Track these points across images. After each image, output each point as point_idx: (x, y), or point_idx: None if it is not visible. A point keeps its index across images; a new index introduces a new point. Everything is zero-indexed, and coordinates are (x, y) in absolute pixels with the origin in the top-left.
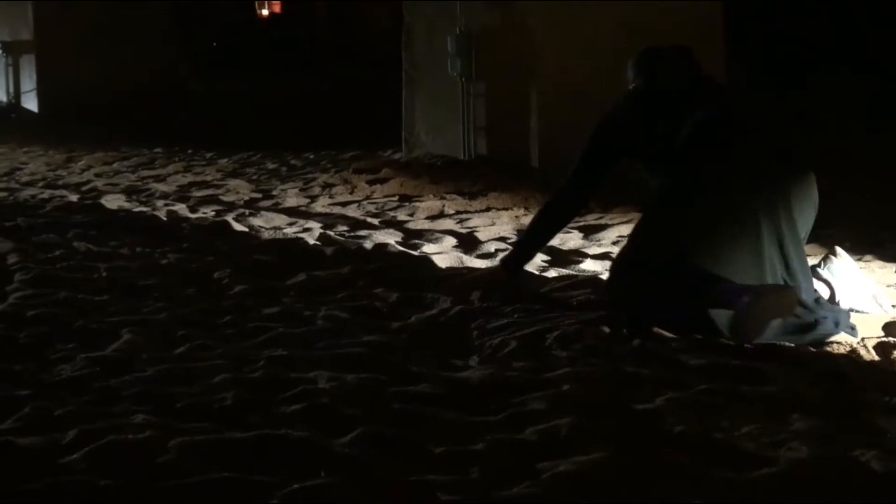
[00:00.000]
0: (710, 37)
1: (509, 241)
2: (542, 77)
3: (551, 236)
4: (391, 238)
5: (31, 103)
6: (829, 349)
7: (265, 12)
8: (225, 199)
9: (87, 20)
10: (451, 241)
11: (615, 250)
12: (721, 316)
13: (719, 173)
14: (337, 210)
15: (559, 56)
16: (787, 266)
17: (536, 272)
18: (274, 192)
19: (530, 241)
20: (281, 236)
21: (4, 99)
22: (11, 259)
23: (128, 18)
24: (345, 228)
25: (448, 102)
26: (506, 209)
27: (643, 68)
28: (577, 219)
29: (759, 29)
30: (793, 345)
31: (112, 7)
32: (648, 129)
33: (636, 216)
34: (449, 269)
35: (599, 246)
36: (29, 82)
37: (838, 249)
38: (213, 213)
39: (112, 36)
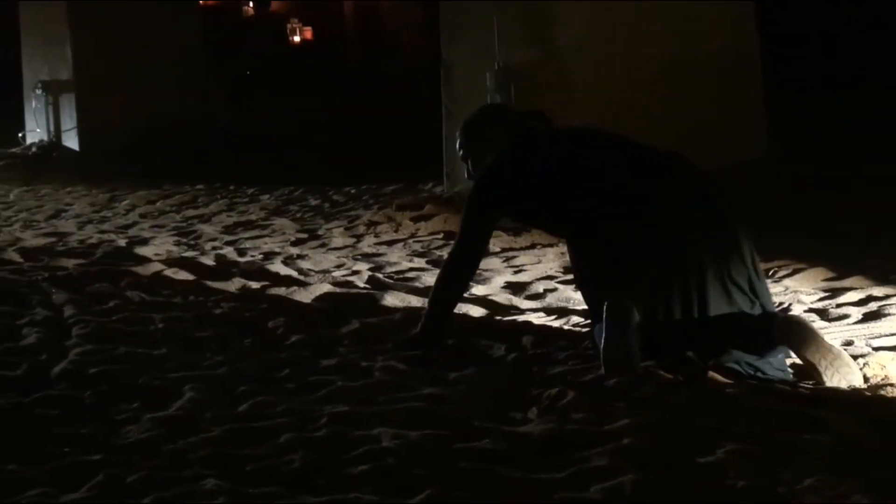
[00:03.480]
0: (747, 66)
1: (556, 280)
2: (580, 111)
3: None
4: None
5: (71, 142)
6: (883, 393)
7: (297, 39)
8: (272, 240)
9: (124, 58)
10: (500, 280)
11: None
12: None
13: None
14: (383, 249)
15: (596, 91)
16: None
17: (578, 309)
18: (319, 232)
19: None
20: (330, 280)
21: (45, 138)
22: (68, 311)
23: (164, 54)
24: (393, 270)
25: None
26: (550, 245)
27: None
28: None
29: (794, 54)
30: (848, 388)
31: (148, 43)
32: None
33: None
34: (498, 313)
35: None
36: (69, 121)
37: None
38: (261, 257)
39: (149, 72)
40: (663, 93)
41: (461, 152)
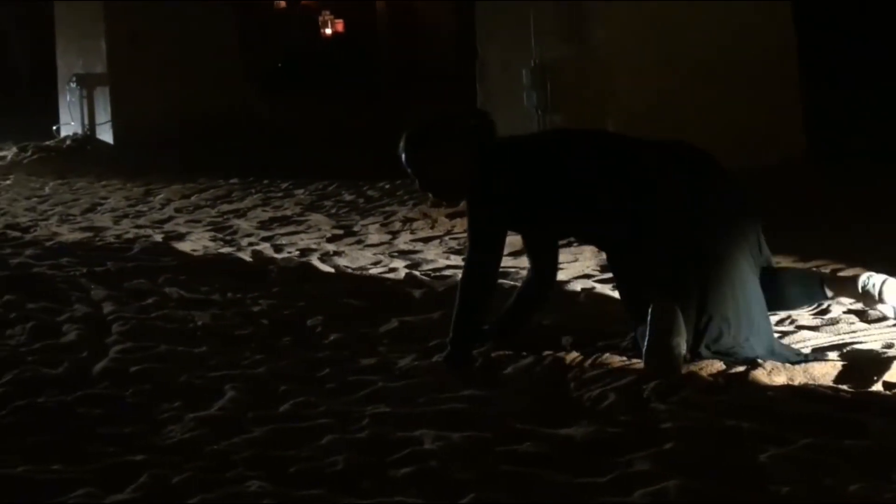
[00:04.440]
0: (784, 62)
1: (594, 279)
2: (617, 108)
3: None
4: None
5: (105, 135)
6: None
7: (329, 32)
8: (308, 236)
9: (158, 51)
10: None
11: None
12: None
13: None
14: (419, 246)
15: (633, 88)
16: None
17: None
18: (355, 228)
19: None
20: (368, 278)
21: (80, 131)
22: (107, 308)
23: (198, 48)
24: (429, 268)
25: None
26: None
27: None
28: None
29: (832, 50)
30: (890, 392)
31: (182, 37)
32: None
33: None
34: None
35: None
36: (103, 114)
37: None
38: (297, 253)
39: (183, 66)
40: (700, 90)
41: (414, 168)
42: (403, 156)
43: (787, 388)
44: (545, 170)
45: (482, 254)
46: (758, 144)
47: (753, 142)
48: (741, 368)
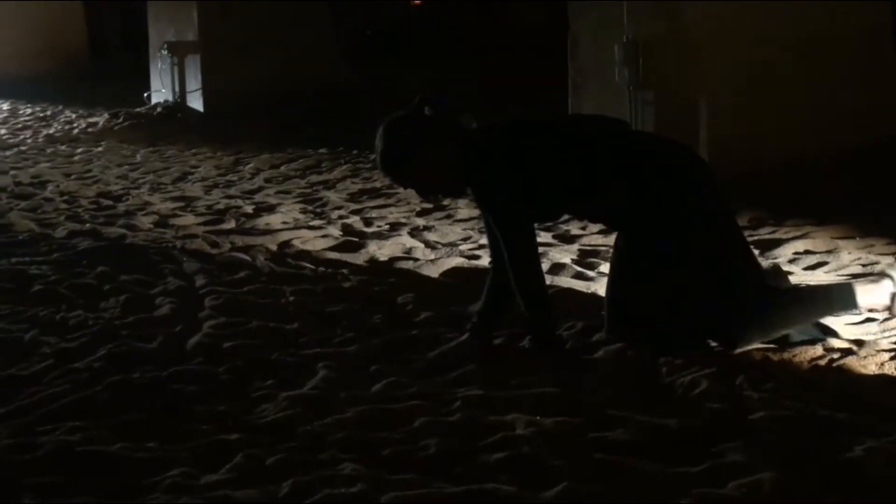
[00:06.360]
0: (880, 44)
1: None
2: (711, 87)
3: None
4: (566, 257)
5: (196, 103)
6: None
7: (418, 0)
8: (397, 209)
9: (249, 19)
10: None
11: (795, 269)
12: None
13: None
14: None
15: (726, 66)
16: None
17: None
18: (445, 202)
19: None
20: (457, 254)
21: (170, 98)
22: (199, 281)
23: (288, 16)
24: None
25: (615, 111)
26: None
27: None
28: (751, 233)
29: None
30: None
31: (273, 6)
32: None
33: (811, 230)
34: None
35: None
36: (194, 82)
37: None
38: (387, 227)
39: (273, 34)
40: (792, 69)
41: (405, 184)
42: (386, 175)
43: (882, 378)
44: (542, 148)
45: (520, 240)
46: (852, 124)
47: (848, 122)
48: (836, 356)
